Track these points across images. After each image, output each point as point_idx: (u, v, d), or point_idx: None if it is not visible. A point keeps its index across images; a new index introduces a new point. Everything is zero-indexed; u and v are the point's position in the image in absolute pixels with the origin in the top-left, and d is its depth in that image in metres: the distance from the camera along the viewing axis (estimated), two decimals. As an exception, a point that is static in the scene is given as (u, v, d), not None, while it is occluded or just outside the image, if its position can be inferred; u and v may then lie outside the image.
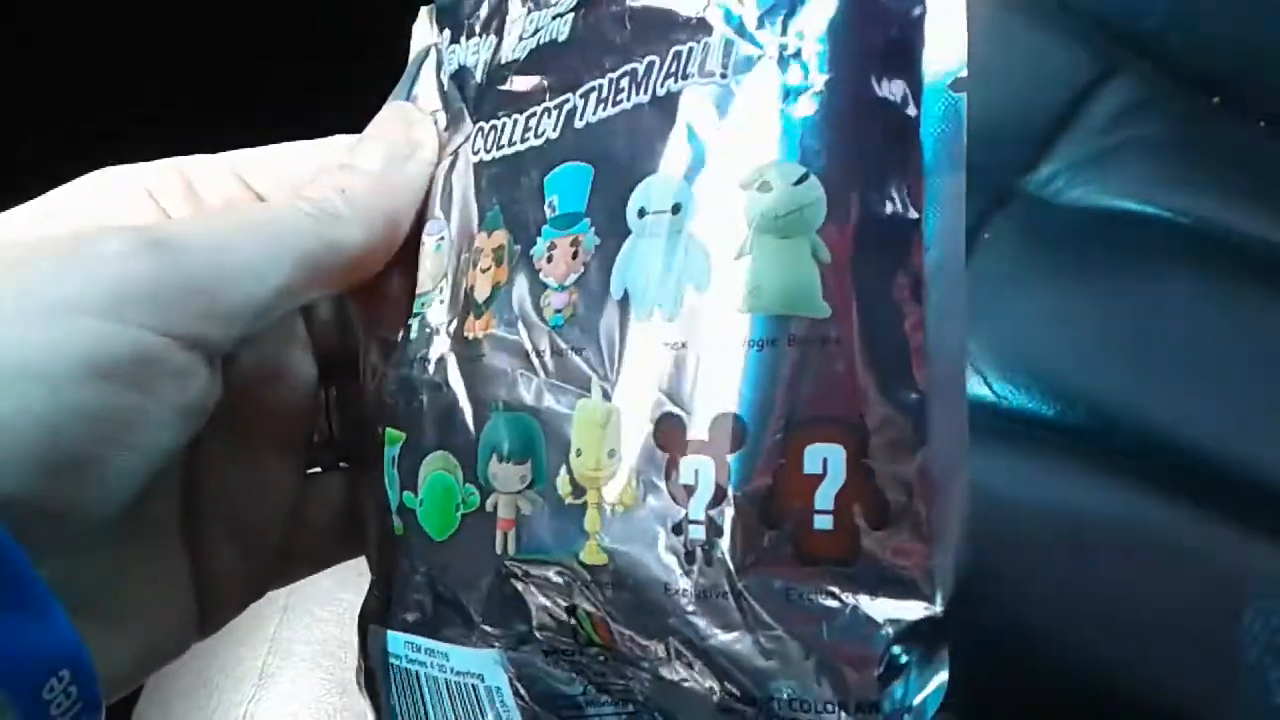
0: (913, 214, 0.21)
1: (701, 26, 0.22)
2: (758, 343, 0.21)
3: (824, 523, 0.21)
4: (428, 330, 0.27)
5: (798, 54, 0.21)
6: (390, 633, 0.28)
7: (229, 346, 0.25)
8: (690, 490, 0.21)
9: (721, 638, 0.21)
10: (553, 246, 0.24)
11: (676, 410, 0.22)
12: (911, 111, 0.21)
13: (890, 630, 0.21)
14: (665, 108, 0.23)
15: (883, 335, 0.21)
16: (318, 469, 0.32)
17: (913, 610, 0.21)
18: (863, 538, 0.21)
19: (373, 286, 0.28)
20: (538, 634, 0.24)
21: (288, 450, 0.31)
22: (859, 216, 0.21)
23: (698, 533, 0.21)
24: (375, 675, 0.28)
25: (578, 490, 0.23)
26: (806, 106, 0.21)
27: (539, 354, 0.24)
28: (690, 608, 0.22)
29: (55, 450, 0.22)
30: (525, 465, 0.24)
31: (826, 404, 0.21)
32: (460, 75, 0.29)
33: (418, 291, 0.28)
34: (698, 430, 0.21)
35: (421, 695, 0.27)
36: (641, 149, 0.23)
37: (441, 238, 0.27)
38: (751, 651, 0.21)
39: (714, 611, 0.21)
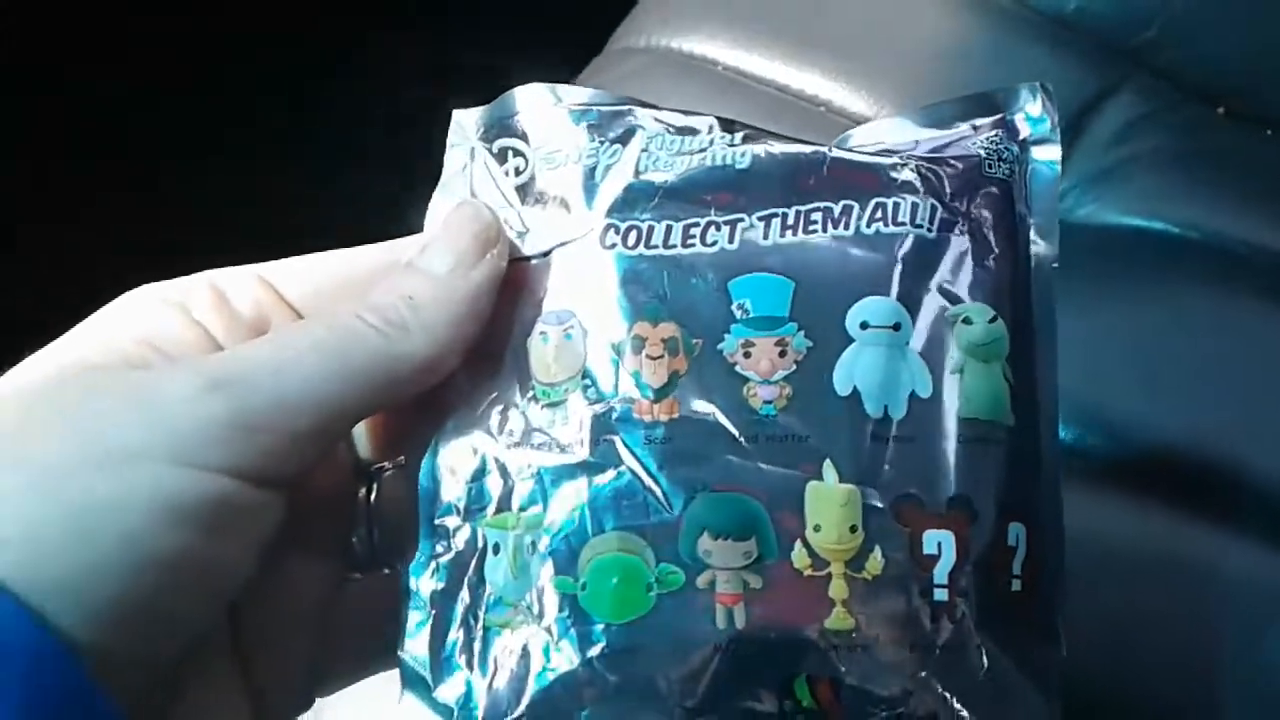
0: (1034, 357, 0.29)
1: (906, 188, 0.28)
2: (972, 441, 0.27)
3: (1016, 586, 0.27)
4: (578, 415, 0.27)
5: (980, 225, 0.28)
6: None
7: (300, 476, 0.25)
8: (934, 560, 0.26)
9: (959, 686, 0.25)
10: (749, 344, 0.27)
11: (913, 491, 0.26)
12: (1031, 283, 0.29)
13: (1054, 673, 0.27)
14: (876, 244, 0.27)
15: (1037, 444, 0.28)
16: (356, 575, 0.29)
17: (1058, 657, 0.27)
18: (1034, 599, 0.27)
19: (443, 387, 0.27)
20: (740, 708, 0.25)
21: (324, 555, 0.28)
22: (1027, 351, 0.28)
23: (941, 595, 0.26)
24: None
25: (819, 563, 0.25)
26: (991, 265, 0.28)
27: (750, 439, 0.26)
28: (934, 661, 0.25)
29: (133, 599, 0.22)
30: (749, 541, 0.25)
31: (1016, 492, 0.27)
32: (556, 173, 0.29)
33: (542, 379, 0.27)
34: (935, 508, 0.26)
35: None
36: (854, 272, 0.27)
37: (570, 327, 0.27)
38: (985, 696, 0.26)
39: (955, 663, 0.25)
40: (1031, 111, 0.30)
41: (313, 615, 0.28)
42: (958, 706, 0.25)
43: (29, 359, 0.25)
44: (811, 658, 0.25)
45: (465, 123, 0.30)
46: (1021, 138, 0.30)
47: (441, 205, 0.29)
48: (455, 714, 0.26)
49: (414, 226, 0.29)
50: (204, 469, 0.23)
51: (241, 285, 0.28)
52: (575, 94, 0.30)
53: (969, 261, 0.28)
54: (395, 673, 0.27)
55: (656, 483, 0.26)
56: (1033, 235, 0.29)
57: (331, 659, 0.29)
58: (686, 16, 0.43)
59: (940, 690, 0.25)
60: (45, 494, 0.22)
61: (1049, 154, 0.30)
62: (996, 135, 0.29)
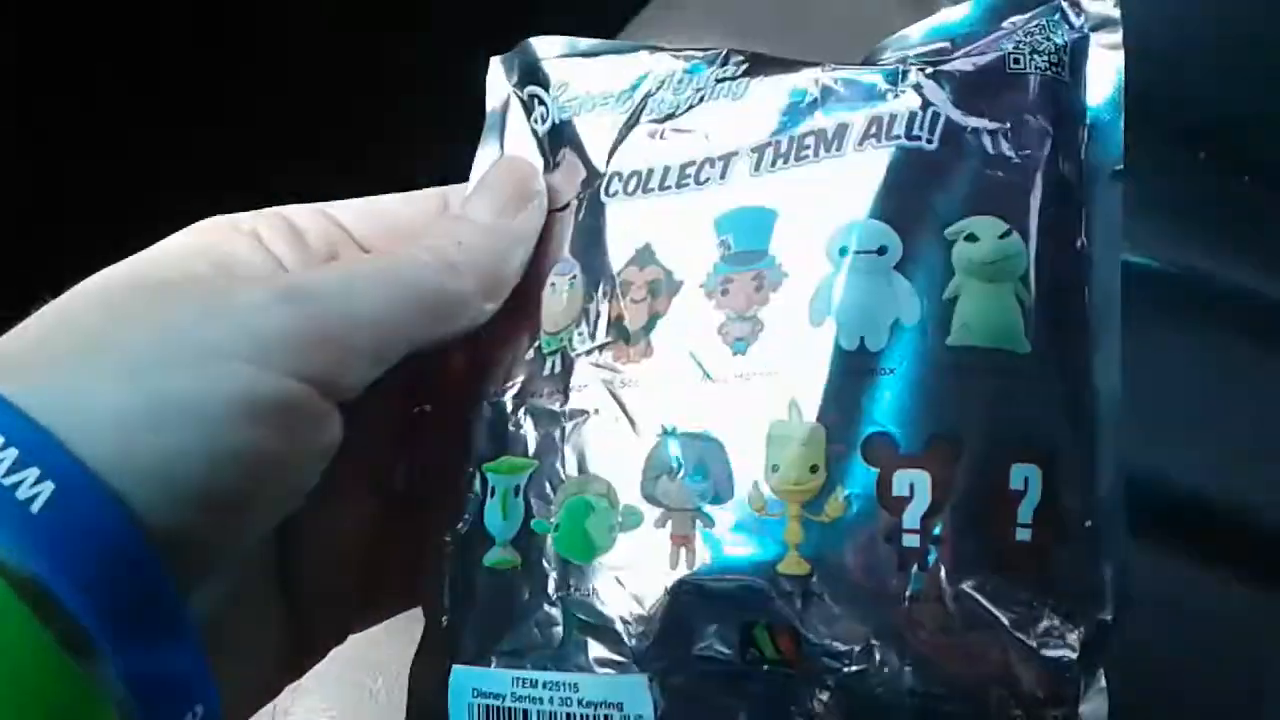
0: (1084, 272, 0.25)
1: (906, 98, 0.25)
2: (966, 371, 0.24)
3: (1024, 535, 0.23)
4: (567, 362, 0.27)
5: (996, 132, 0.25)
6: (487, 670, 0.26)
7: (357, 391, 0.26)
8: (904, 501, 0.23)
9: (931, 640, 0.23)
10: (728, 280, 0.26)
11: (887, 428, 0.24)
12: (1080, 190, 0.25)
13: (1079, 635, 0.23)
14: (865, 163, 0.25)
15: (1070, 372, 0.24)
16: (397, 511, 0.31)
17: (1091, 619, 0.23)
18: (1053, 550, 0.23)
19: (476, 333, 0.28)
20: (701, 654, 0.24)
21: (370, 490, 0.30)
22: (1062, 267, 0.24)
23: (911, 541, 0.23)
24: None
25: (773, 504, 0.24)
26: (1005, 174, 0.25)
27: (720, 378, 0.25)
28: (900, 612, 0.23)
29: (209, 489, 0.23)
30: (705, 482, 0.25)
31: (1026, 429, 0.24)
32: (571, 124, 0.30)
33: (548, 329, 0.28)
34: (911, 447, 0.23)
35: None
36: (838, 196, 0.25)
37: (574, 277, 0.28)
38: (962, 652, 0.23)
39: (924, 615, 0.23)
40: None
41: (356, 548, 0.30)
42: (930, 665, 0.23)
43: (103, 271, 0.26)
44: (765, 605, 0.24)
45: (500, 69, 0.32)
46: (1078, 24, 0.26)
47: (484, 156, 0.31)
48: (459, 650, 0.27)
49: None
50: (278, 371, 0.24)
51: (311, 220, 0.29)
52: (588, 43, 0.30)
53: (979, 171, 0.25)
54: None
55: (629, 424, 0.26)
56: (1085, 135, 0.25)
57: (371, 592, 0.31)
58: (692, 26, 0.42)
59: (908, 646, 0.23)
60: (131, 385, 0.23)
61: (1111, 39, 0.25)
62: (1037, 25, 0.26)
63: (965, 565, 0.23)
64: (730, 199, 0.27)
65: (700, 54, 0.29)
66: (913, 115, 0.25)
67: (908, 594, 0.23)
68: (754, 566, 0.24)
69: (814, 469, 0.24)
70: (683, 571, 0.24)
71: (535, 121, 0.31)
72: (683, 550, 0.24)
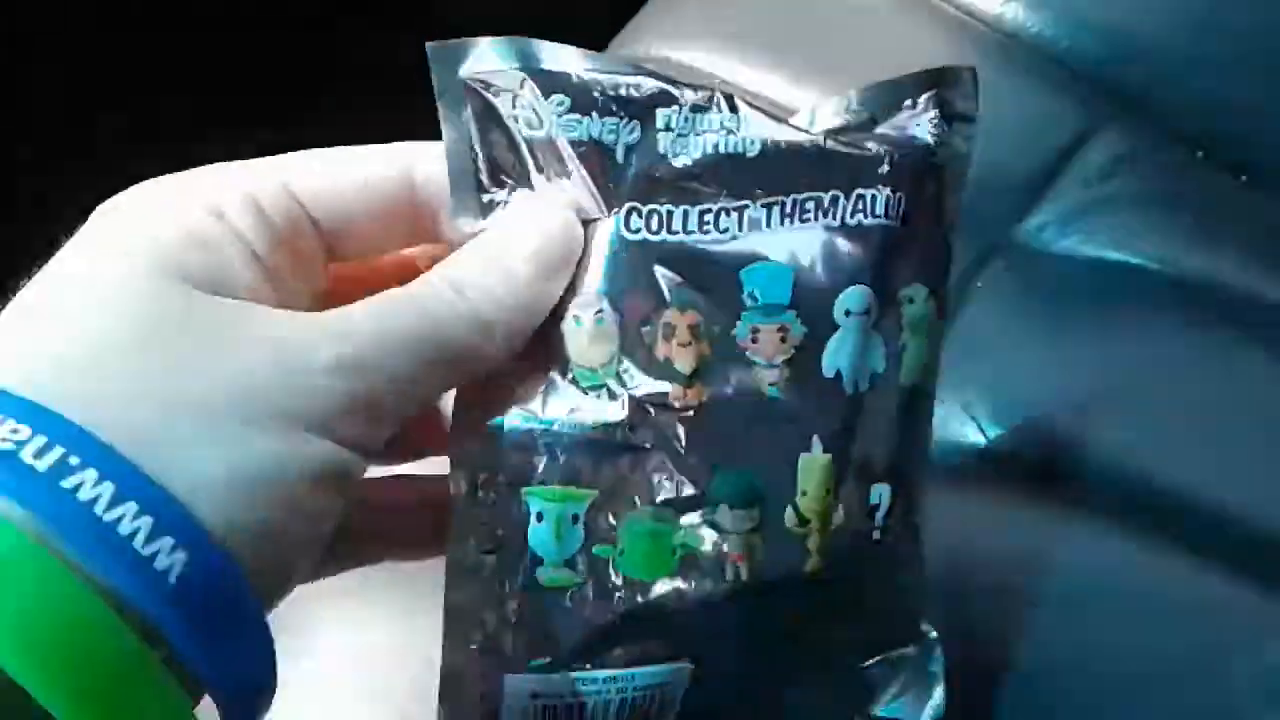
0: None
1: (882, 180, 0.31)
2: (908, 408, 0.32)
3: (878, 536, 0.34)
4: (619, 398, 0.28)
5: (926, 213, 0.32)
6: (550, 676, 0.29)
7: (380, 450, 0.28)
8: (875, 509, 0.32)
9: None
10: (756, 330, 0.30)
11: (868, 456, 0.32)
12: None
13: None
14: (856, 236, 0.30)
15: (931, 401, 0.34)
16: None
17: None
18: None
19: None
20: (747, 641, 0.31)
21: None
22: (939, 318, 0.33)
23: (876, 535, 0.32)
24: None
25: (802, 521, 0.31)
26: (929, 247, 0.32)
27: (759, 420, 0.30)
28: (876, 580, 0.33)
29: (283, 551, 0.26)
30: (754, 510, 0.30)
31: (924, 446, 0.34)
32: (571, 142, 0.29)
33: (581, 363, 0.29)
34: (880, 467, 0.32)
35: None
36: (839, 262, 0.30)
37: (601, 312, 0.29)
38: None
39: (888, 578, 0.33)
40: (962, 90, 0.33)
41: None
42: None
43: (94, 259, 0.25)
44: (796, 597, 0.31)
45: (493, 54, 0.29)
46: (948, 114, 0.34)
47: (453, 135, 0.28)
48: (514, 660, 0.29)
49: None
50: (338, 442, 0.26)
51: (275, 200, 0.28)
52: (584, 58, 0.29)
53: (918, 246, 0.32)
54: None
55: (686, 462, 0.29)
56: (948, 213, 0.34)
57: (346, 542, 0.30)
58: (690, 29, 0.39)
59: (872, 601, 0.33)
60: (221, 449, 0.24)
61: (968, 131, 0.34)
62: (936, 117, 0.33)
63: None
64: (751, 252, 0.30)
65: (698, 94, 0.29)
66: (888, 199, 0.31)
67: (882, 572, 0.33)
68: (788, 570, 0.31)
69: (828, 491, 0.31)
70: (740, 582, 0.30)
71: (519, 125, 0.28)
72: (739, 565, 0.30)
